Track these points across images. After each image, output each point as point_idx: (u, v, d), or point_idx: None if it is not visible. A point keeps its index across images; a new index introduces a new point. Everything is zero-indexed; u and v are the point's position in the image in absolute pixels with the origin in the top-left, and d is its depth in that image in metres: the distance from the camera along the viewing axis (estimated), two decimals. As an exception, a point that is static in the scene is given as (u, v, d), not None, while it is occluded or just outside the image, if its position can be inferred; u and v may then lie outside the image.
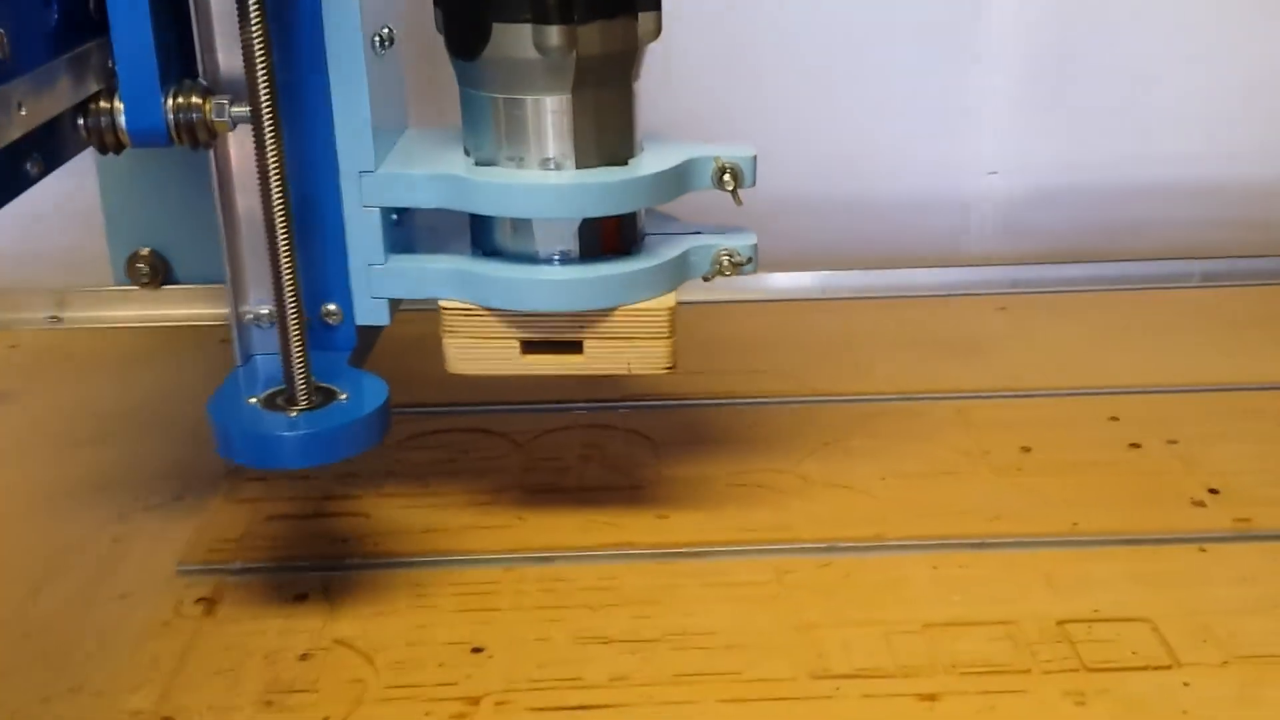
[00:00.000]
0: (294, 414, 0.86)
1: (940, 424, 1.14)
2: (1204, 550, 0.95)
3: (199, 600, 0.92)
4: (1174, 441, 1.10)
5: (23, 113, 0.69)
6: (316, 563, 0.96)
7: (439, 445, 1.12)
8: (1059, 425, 1.13)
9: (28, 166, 0.75)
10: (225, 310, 1.41)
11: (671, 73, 1.20)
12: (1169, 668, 0.83)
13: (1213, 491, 1.02)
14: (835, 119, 1.50)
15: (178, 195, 0.98)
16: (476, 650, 0.86)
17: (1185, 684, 0.81)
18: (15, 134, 0.69)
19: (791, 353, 1.28)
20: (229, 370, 1.29)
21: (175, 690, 0.83)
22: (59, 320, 1.41)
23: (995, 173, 1.54)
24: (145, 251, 1.03)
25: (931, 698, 0.81)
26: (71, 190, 1.26)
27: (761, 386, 1.21)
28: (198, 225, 0.97)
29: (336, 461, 0.86)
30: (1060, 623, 0.87)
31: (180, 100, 0.81)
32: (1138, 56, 1.49)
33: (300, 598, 0.92)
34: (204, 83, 0.84)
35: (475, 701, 0.82)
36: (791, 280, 1.45)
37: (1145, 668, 0.83)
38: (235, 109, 0.82)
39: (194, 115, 0.82)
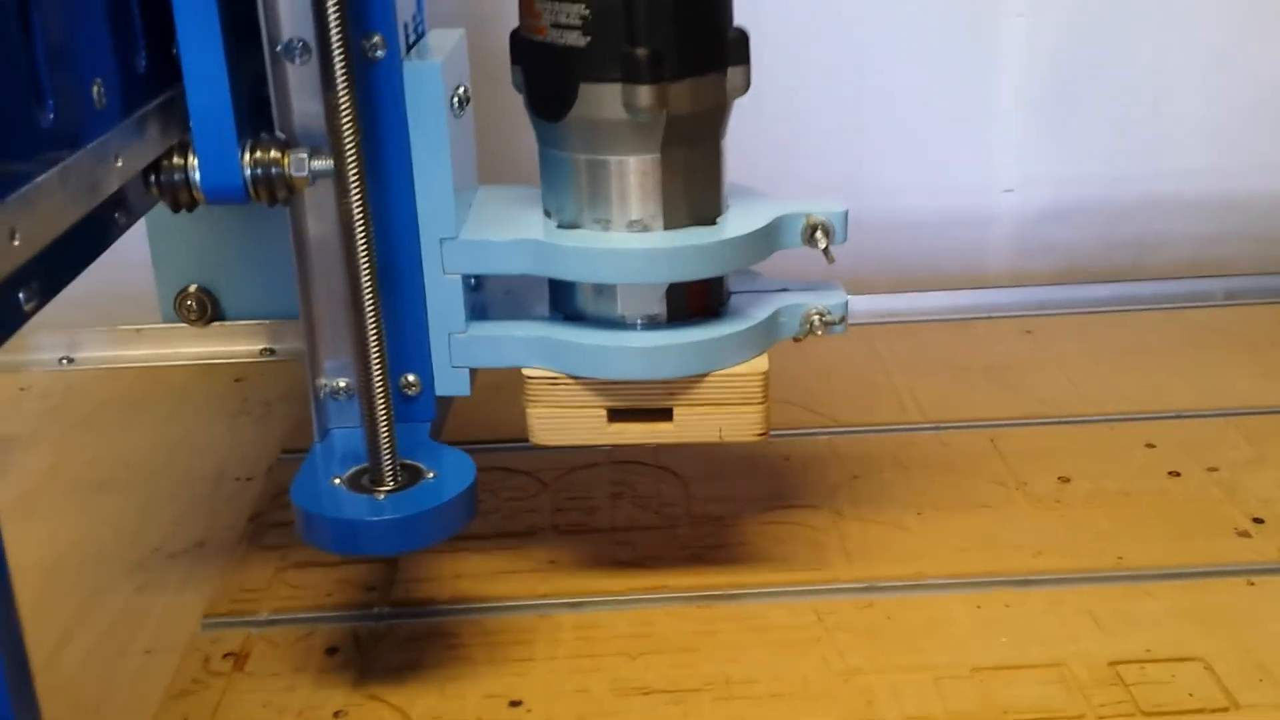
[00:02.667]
0: (381, 496, 0.81)
1: (973, 454, 1.12)
2: (1252, 583, 0.93)
3: (227, 655, 0.90)
4: (1214, 469, 1.08)
5: (119, 164, 0.67)
6: (345, 613, 0.94)
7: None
8: (1095, 453, 1.11)
9: (116, 217, 0.71)
10: (237, 348, 1.41)
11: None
12: (1227, 710, 0.81)
13: (1257, 520, 1.00)
14: (847, 138, 1.49)
15: (225, 231, 0.95)
16: (514, 704, 0.84)
17: (1245, 727, 0.80)
18: (114, 186, 0.67)
19: (820, 381, 1.26)
20: (244, 412, 1.28)
21: (208, 752, 0.81)
22: (71, 361, 1.39)
23: (1011, 190, 1.52)
24: (193, 288, 1.01)
25: (985, 746, 0.79)
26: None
27: (789, 418, 1.18)
28: (245, 261, 0.95)
29: (426, 546, 0.82)
30: (1112, 664, 0.85)
31: (258, 155, 0.77)
32: (1152, 71, 1.48)
33: (331, 651, 0.90)
34: (280, 135, 0.80)
35: (516, 758, 0.80)
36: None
37: (1203, 710, 0.81)
38: (316, 163, 0.77)
39: (272, 170, 0.77)
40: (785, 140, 1.46)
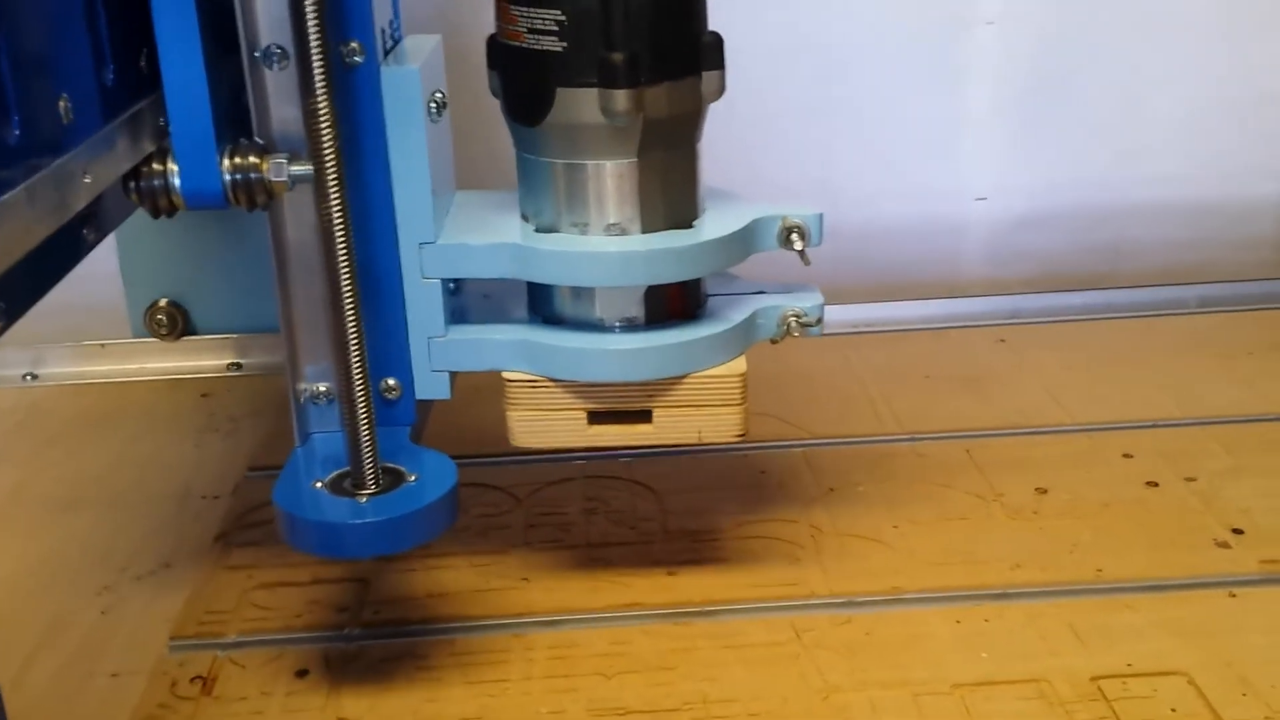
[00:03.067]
0: (363, 499, 0.81)
1: (950, 465, 1.11)
2: (1234, 595, 0.93)
3: (194, 679, 0.88)
4: (1192, 479, 1.07)
5: (87, 180, 0.65)
6: (315, 634, 0.92)
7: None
8: (1072, 464, 1.10)
9: (85, 233, 0.70)
10: (203, 363, 1.39)
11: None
12: (1209, 724, 0.80)
13: (1236, 531, 1.00)
14: (820, 145, 1.48)
15: (197, 245, 0.94)
16: (489, 726, 0.83)
17: (1228, 742, 0.79)
18: (83, 202, 0.65)
19: (794, 391, 1.25)
20: (211, 428, 1.26)
21: (174, 780, 0.79)
22: (35, 377, 1.37)
23: (984, 198, 1.52)
24: (163, 302, 0.99)
25: (967, 765, 0.78)
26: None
27: (765, 430, 1.17)
28: (216, 274, 0.94)
29: (409, 548, 0.82)
30: (1094, 678, 0.84)
31: (238, 160, 0.77)
32: (1125, 78, 1.48)
33: (301, 674, 0.88)
34: (259, 140, 0.79)
35: (491, 783, 0.78)
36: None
37: (1185, 726, 0.80)
38: (295, 168, 0.77)
39: (251, 175, 0.77)
40: (758, 148, 1.45)
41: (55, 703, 0.87)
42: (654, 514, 1.06)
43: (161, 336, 1.05)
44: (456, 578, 0.98)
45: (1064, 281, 1.50)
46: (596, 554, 1.01)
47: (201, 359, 1.37)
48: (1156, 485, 1.07)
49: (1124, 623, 0.90)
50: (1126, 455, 1.12)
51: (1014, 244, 1.52)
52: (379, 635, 0.92)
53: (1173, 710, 0.81)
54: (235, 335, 1.34)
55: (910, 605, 0.93)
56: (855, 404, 1.23)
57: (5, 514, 1.11)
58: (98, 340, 1.38)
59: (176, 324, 1.05)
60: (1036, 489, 1.07)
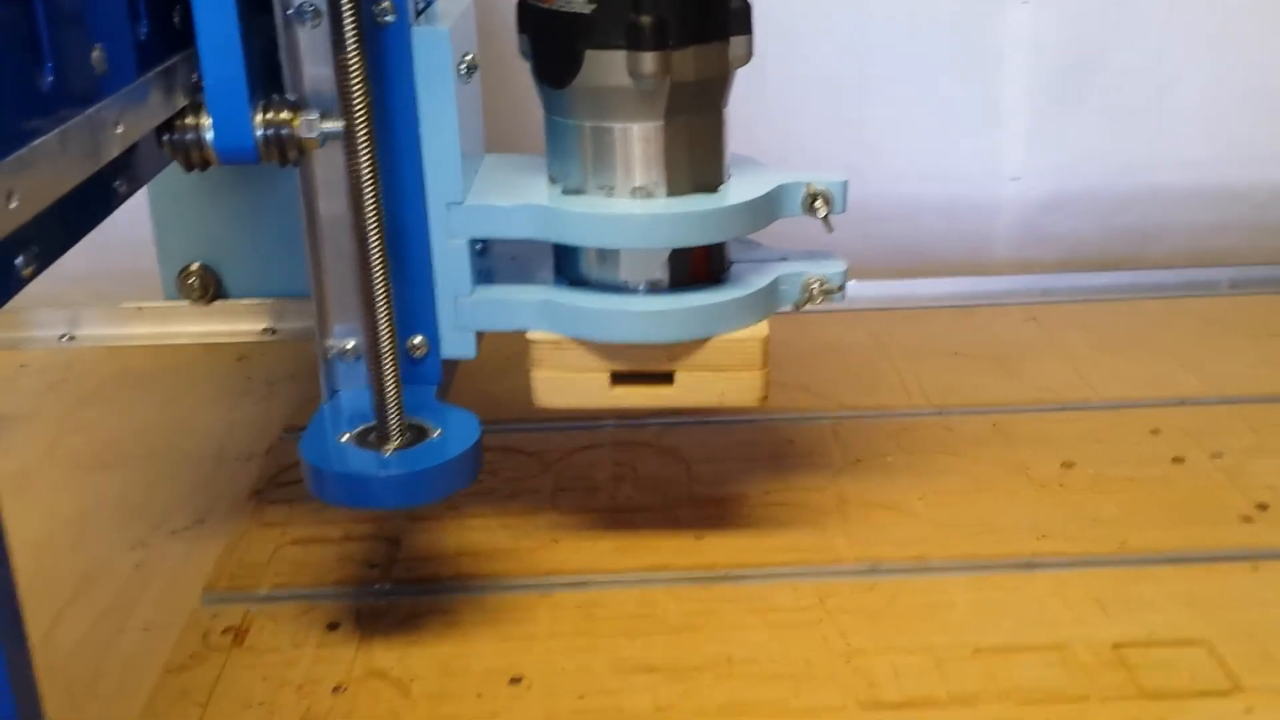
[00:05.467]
0: (387, 452, 0.82)
1: (977, 438, 1.12)
2: (1256, 569, 0.93)
3: (226, 630, 0.90)
4: (1218, 455, 1.07)
5: (119, 130, 0.67)
6: (346, 589, 0.94)
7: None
8: (1099, 439, 1.11)
9: (116, 185, 0.72)
10: (239, 327, 1.40)
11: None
12: (1229, 693, 0.81)
13: (1261, 507, 1.00)
14: (852, 125, 1.48)
15: (229, 209, 0.95)
16: (515, 680, 0.84)
17: (1248, 710, 0.79)
18: (114, 152, 0.67)
19: (822, 365, 1.25)
20: (245, 391, 1.27)
21: (206, 726, 0.81)
22: (72, 338, 1.38)
23: (1018, 179, 1.52)
24: (195, 266, 1.01)
25: (988, 727, 0.79)
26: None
27: (792, 401, 1.18)
28: (248, 239, 0.95)
29: (432, 501, 0.84)
30: (1115, 646, 0.85)
31: (270, 116, 0.78)
32: (1156, 61, 1.48)
33: (332, 626, 0.90)
34: (291, 97, 0.81)
35: (517, 735, 0.79)
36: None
37: (1206, 693, 0.81)
38: (326, 125, 0.78)
39: (283, 131, 0.78)
40: (790, 127, 1.46)
41: (88, 654, 0.89)
42: (681, 480, 1.07)
43: (193, 300, 1.06)
44: (486, 538, 0.99)
45: (1093, 263, 1.50)
46: (624, 518, 1.02)
47: (237, 323, 1.38)
48: (1182, 461, 1.07)
49: (1146, 593, 0.90)
50: (1153, 431, 1.12)
51: (1043, 225, 1.53)
52: (409, 591, 0.93)
53: (1193, 678, 0.82)
54: (271, 300, 1.35)
55: (934, 573, 0.94)
56: (884, 378, 1.24)
57: (40, 472, 1.13)
58: (135, 304, 1.40)
59: (208, 288, 1.06)
60: (1062, 463, 1.07)
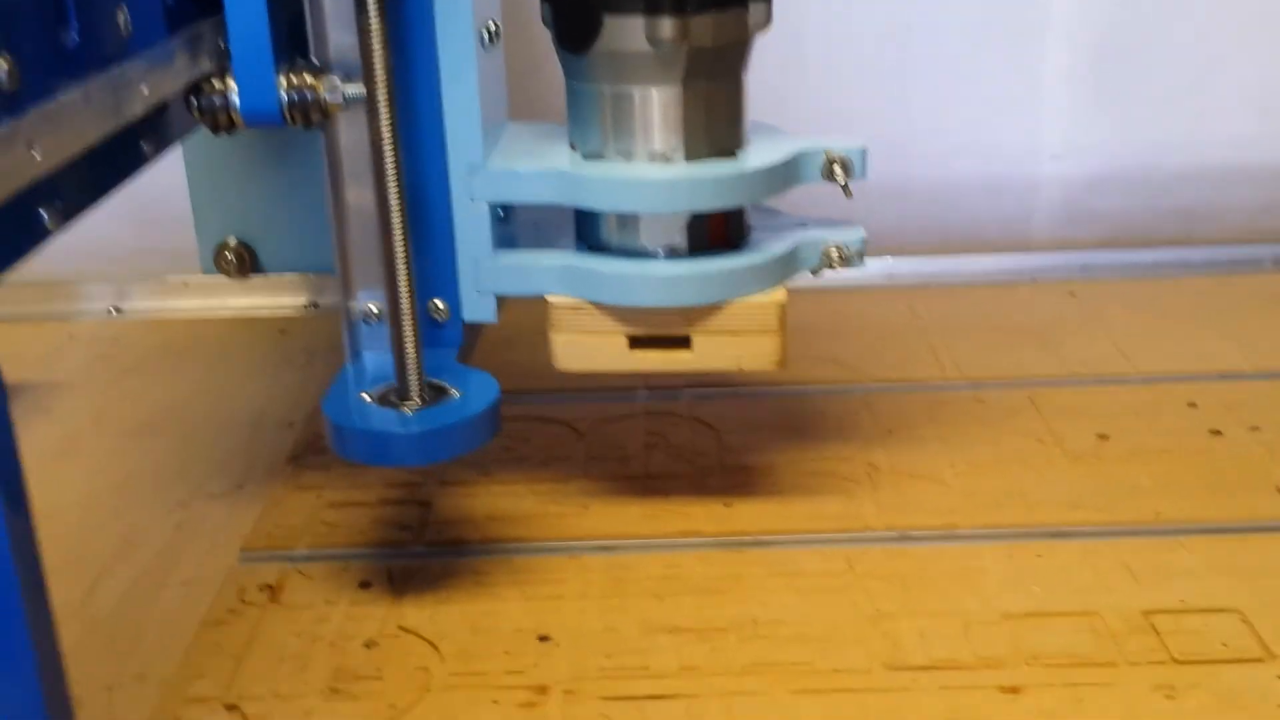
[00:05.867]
0: (408, 411, 0.84)
1: (1011, 411, 1.11)
2: (1292, 540, 0.92)
3: (263, 587, 0.91)
4: (1256, 428, 1.06)
5: (144, 90, 0.69)
6: (380, 550, 0.95)
7: (501, 433, 1.10)
8: (1136, 412, 1.10)
9: (143, 145, 0.74)
10: (281, 301, 1.42)
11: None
12: (1261, 660, 0.80)
13: (1298, 479, 0.99)
14: (893, 103, 1.48)
15: (265, 185, 0.97)
16: (543, 639, 0.85)
17: (1279, 677, 0.78)
18: (139, 111, 0.68)
19: (856, 340, 1.25)
20: (286, 362, 1.29)
21: (240, 678, 0.82)
22: (119, 311, 1.41)
23: (1058, 157, 1.51)
24: (232, 241, 1.02)
25: (1014, 690, 0.78)
26: (133, 181, 1.25)
27: (826, 374, 1.18)
28: (284, 214, 0.97)
29: (449, 459, 0.84)
30: (1146, 613, 0.84)
31: (294, 79, 0.80)
32: (1202, 38, 1.46)
33: (364, 585, 0.91)
34: (315, 62, 0.82)
35: (543, 690, 0.80)
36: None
37: (1237, 660, 0.80)
38: (349, 88, 0.80)
39: (307, 95, 0.80)
40: (830, 102, 1.46)
41: (129, 609, 0.91)
42: (712, 449, 1.07)
43: (230, 275, 1.08)
44: (517, 503, 1.00)
45: (1139, 243, 1.49)
46: (655, 485, 1.02)
47: (279, 297, 1.40)
48: (1220, 434, 1.06)
49: (1179, 562, 0.90)
50: (1191, 405, 1.11)
51: (1086, 205, 1.51)
52: (440, 553, 0.95)
53: (1224, 645, 0.81)
54: (313, 275, 1.37)
55: (964, 541, 0.94)
56: (918, 352, 1.23)
57: (85, 438, 1.15)
58: (181, 278, 1.42)
59: (245, 263, 1.08)
60: (1098, 435, 1.07)
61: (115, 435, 1.15)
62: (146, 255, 1.46)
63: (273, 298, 1.41)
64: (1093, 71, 1.47)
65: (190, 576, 0.94)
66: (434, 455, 0.84)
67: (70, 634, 0.86)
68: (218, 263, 1.07)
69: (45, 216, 0.61)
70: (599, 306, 0.87)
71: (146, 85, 0.68)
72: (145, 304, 1.42)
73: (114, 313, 1.41)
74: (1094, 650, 0.81)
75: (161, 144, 0.76)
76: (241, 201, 1.05)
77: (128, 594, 0.93)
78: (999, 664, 0.81)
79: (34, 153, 0.56)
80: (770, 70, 1.46)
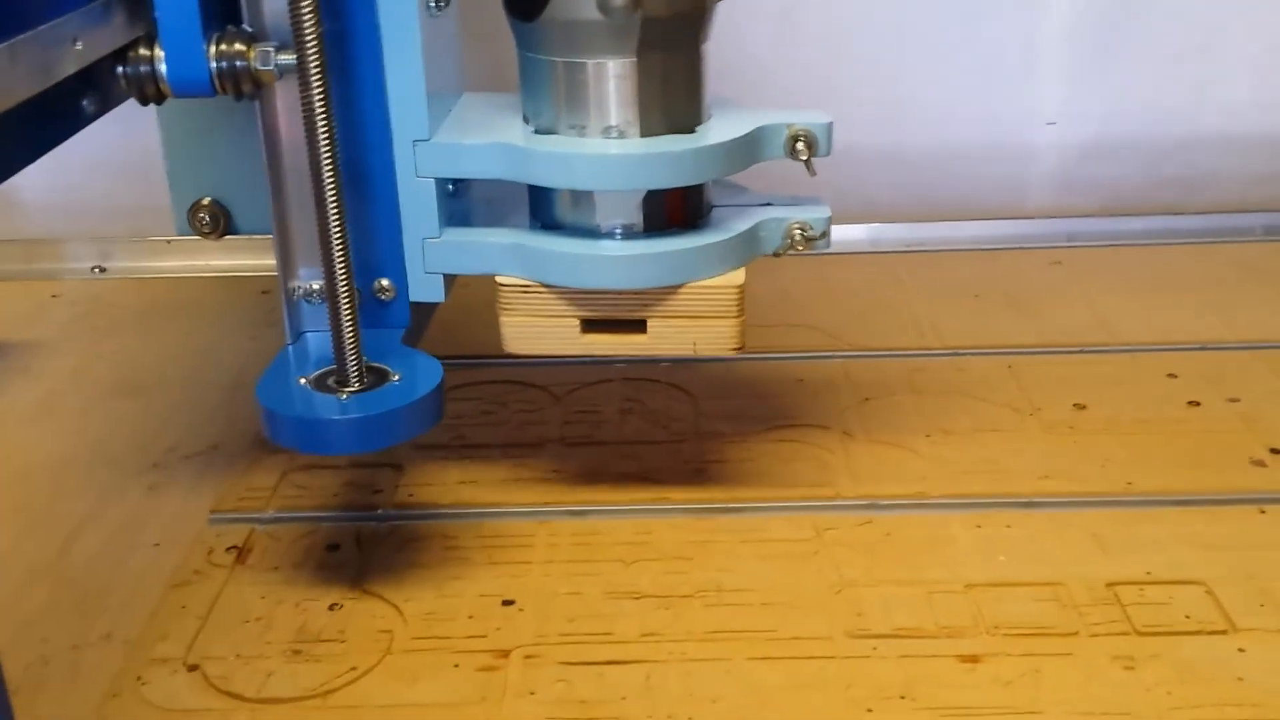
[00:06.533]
0: (345, 396, 0.81)
1: (989, 380, 1.11)
2: (1263, 512, 0.92)
3: (230, 549, 0.91)
4: (1235, 400, 1.06)
5: (78, 47, 0.67)
6: (349, 513, 0.95)
7: (476, 397, 1.10)
8: (1115, 382, 1.09)
9: (84, 104, 0.72)
10: (263, 260, 1.42)
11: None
12: (1224, 632, 0.80)
13: (1275, 451, 0.99)
14: (885, 67, 1.46)
15: (240, 145, 0.95)
16: (507, 603, 0.85)
17: (1241, 650, 0.78)
18: (71, 68, 0.67)
19: (836, 307, 1.25)
20: (268, 323, 1.29)
21: (204, 638, 0.82)
22: (103, 270, 1.41)
23: (1054, 123, 1.49)
24: (206, 201, 1.01)
25: (973, 659, 0.78)
26: (118, 140, 1.25)
27: (804, 341, 1.18)
28: (258, 175, 0.95)
29: (388, 447, 0.82)
30: (1110, 585, 0.84)
31: (223, 48, 0.77)
32: (1203, 4, 1.44)
33: (332, 548, 0.91)
34: (248, 29, 0.79)
35: (505, 654, 0.80)
36: (839, 233, 1.40)
37: (1199, 632, 0.80)
38: (281, 57, 0.77)
39: (238, 64, 0.77)
40: (826, 69, 1.44)
41: (100, 569, 0.91)
42: (688, 415, 1.07)
43: (204, 235, 1.07)
44: (489, 468, 1.00)
45: (1132, 212, 1.47)
46: (628, 450, 1.02)
47: (263, 258, 1.40)
48: (1198, 405, 1.06)
49: (1148, 534, 0.90)
50: (1170, 375, 1.10)
51: (1083, 173, 1.50)
52: (410, 516, 0.95)
53: (1187, 617, 0.81)
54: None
55: (933, 510, 0.94)
56: (899, 320, 1.23)
57: (63, 398, 1.15)
58: (164, 237, 1.42)
59: (219, 223, 1.06)
60: (1075, 405, 1.06)
61: (93, 395, 1.15)
62: (133, 214, 1.46)
63: (256, 258, 1.40)
64: (1090, 38, 1.46)
65: (160, 537, 0.94)
66: (370, 443, 0.81)
67: (40, 593, 0.88)
68: (192, 223, 1.07)
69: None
70: (550, 288, 0.84)
71: (81, 42, 0.67)
72: (129, 263, 1.42)
73: (98, 272, 1.41)
74: (1056, 620, 0.81)
75: (107, 102, 0.74)
76: (216, 161, 1.04)
77: (98, 554, 0.93)
78: (960, 633, 0.81)
79: None
80: (761, 40, 1.46)
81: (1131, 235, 1.41)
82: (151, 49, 0.76)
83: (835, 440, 1.02)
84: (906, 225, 1.42)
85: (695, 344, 0.85)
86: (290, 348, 0.87)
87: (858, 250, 1.39)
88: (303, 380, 0.83)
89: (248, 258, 1.40)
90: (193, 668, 0.80)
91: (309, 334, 0.88)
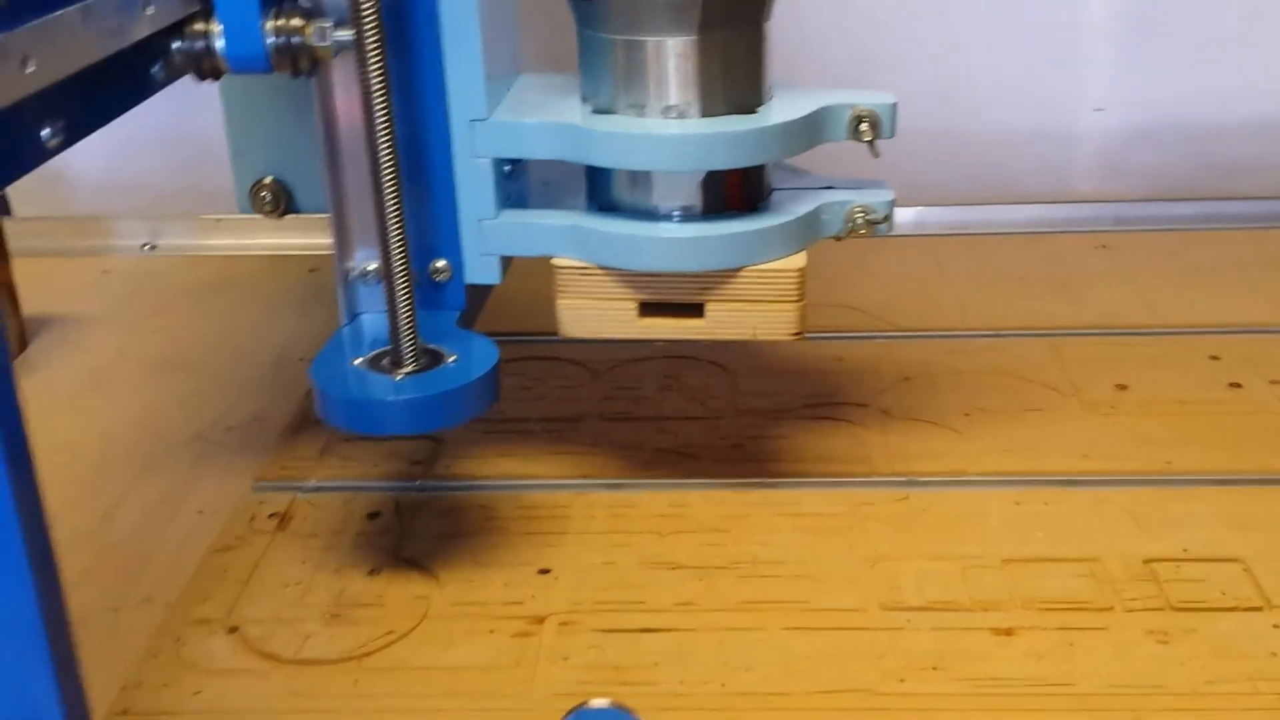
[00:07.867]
0: (399, 377, 0.80)
1: (1030, 361, 1.10)
2: (1304, 493, 0.91)
3: (272, 515, 0.93)
4: (1276, 382, 1.05)
5: (149, 12, 0.68)
6: (389, 483, 0.96)
7: (517, 372, 1.11)
8: (1157, 364, 1.09)
9: (154, 71, 0.73)
10: (312, 240, 1.44)
11: None
12: (1260, 609, 0.79)
13: (1317, 433, 0.98)
14: (933, 49, 1.46)
15: (302, 123, 0.95)
16: (543, 571, 0.86)
17: (1276, 625, 0.78)
18: (144, 32, 0.68)
19: (880, 288, 1.25)
20: (316, 300, 1.30)
21: (244, 601, 0.84)
22: (154, 248, 1.43)
23: (1101, 109, 1.48)
24: (268, 180, 1.02)
25: (1008, 632, 0.78)
26: (171, 119, 1.26)
27: (846, 321, 1.18)
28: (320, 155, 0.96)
29: (442, 428, 0.81)
30: (1147, 561, 0.84)
31: (281, 23, 0.76)
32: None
33: (372, 516, 0.92)
34: (306, 5, 0.78)
35: (539, 621, 0.81)
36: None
37: (1234, 609, 0.79)
38: (339, 33, 0.76)
39: (295, 40, 0.76)
40: (871, 51, 1.44)
41: (143, 535, 0.93)
42: (726, 393, 1.07)
43: (266, 213, 1.07)
44: (528, 441, 1.01)
45: (1178, 196, 1.46)
46: (666, 426, 1.03)
47: (311, 236, 1.41)
48: (1239, 387, 1.05)
49: (1186, 512, 0.89)
50: (1213, 358, 1.09)
51: (1128, 158, 1.49)
52: (449, 487, 0.96)
53: (1223, 594, 0.81)
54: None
55: (970, 486, 0.93)
56: (942, 301, 1.22)
57: (114, 370, 1.17)
58: (214, 216, 1.44)
59: (280, 202, 1.08)
60: (1116, 385, 1.05)
61: (141, 370, 1.18)
62: (184, 196, 1.48)
63: (304, 237, 1.42)
64: (1137, 23, 1.44)
65: (203, 505, 0.96)
66: (423, 425, 0.81)
67: (82, 558, 0.90)
68: (253, 202, 1.08)
69: (47, 136, 0.61)
70: (607, 270, 0.83)
71: (153, 8, 0.68)
72: (179, 241, 1.44)
73: (148, 249, 1.43)
74: (1091, 596, 0.81)
75: (175, 71, 0.75)
76: (279, 140, 1.05)
77: (141, 521, 0.95)
78: (994, 606, 0.80)
79: (27, 68, 0.56)
80: (811, 20, 1.46)
81: (1178, 220, 1.40)
82: (208, 23, 0.76)
83: (873, 417, 1.02)
84: (952, 208, 1.41)
85: (754, 329, 0.83)
86: (345, 329, 0.87)
87: (902, 233, 1.39)
88: (357, 361, 0.82)
89: (296, 236, 1.42)
90: (232, 629, 0.81)
91: (364, 315, 0.87)
